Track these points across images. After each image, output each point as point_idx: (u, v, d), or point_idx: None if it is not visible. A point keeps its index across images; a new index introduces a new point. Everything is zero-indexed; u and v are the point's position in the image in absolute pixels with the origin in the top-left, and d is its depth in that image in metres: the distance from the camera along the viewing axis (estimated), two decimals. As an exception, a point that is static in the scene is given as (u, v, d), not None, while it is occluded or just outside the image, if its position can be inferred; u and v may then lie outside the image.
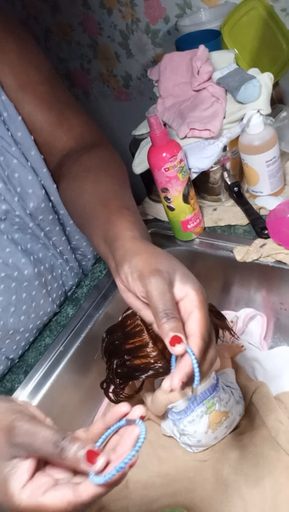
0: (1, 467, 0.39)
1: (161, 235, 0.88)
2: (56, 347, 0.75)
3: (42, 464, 0.40)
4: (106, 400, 0.76)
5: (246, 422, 0.69)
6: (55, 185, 0.74)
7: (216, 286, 0.86)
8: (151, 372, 0.58)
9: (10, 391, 0.72)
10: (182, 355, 0.43)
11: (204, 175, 0.84)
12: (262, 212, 0.81)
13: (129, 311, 0.61)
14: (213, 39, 0.99)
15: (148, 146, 0.77)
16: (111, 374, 0.62)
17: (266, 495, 0.61)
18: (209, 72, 0.87)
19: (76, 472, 0.39)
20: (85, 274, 0.89)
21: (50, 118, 0.72)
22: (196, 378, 0.42)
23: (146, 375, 0.59)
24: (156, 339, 0.57)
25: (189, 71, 0.90)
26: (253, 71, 0.84)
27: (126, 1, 1.34)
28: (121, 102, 1.67)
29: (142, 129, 0.94)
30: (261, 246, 0.76)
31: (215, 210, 0.88)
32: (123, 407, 0.39)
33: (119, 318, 0.62)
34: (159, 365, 0.58)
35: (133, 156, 0.92)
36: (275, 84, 0.90)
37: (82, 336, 0.76)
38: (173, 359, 0.45)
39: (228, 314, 0.83)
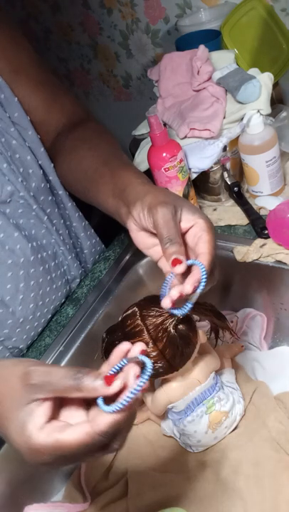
0: (18, 412, 0.39)
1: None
2: (56, 347, 0.75)
3: (57, 411, 0.41)
4: (106, 400, 0.76)
5: (246, 422, 0.69)
6: (52, 165, 0.76)
7: (216, 286, 0.85)
8: (151, 372, 0.58)
9: (10, 391, 0.72)
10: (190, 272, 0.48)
11: (204, 175, 0.84)
12: (262, 212, 0.81)
13: (129, 311, 0.61)
14: (213, 39, 0.99)
15: (148, 146, 0.77)
16: (111, 374, 0.62)
17: (266, 495, 0.61)
18: (209, 72, 0.87)
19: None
20: (83, 267, 0.89)
21: (44, 98, 0.75)
22: (203, 283, 0.47)
23: (146, 375, 0.59)
24: (156, 339, 0.57)
25: (189, 71, 0.90)
26: (253, 71, 0.84)
27: (126, 1, 1.34)
28: (121, 102, 1.67)
29: (142, 129, 0.94)
30: (261, 246, 0.76)
31: (215, 210, 0.88)
32: (124, 344, 0.41)
33: (119, 318, 0.62)
34: (159, 365, 0.58)
35: (133, 156, 0.92)
36: (275, 84, 0.90)
37: (82, 336, 0.76)
38: (165, 285, 0.50)
39: (228, 314, 0.83)
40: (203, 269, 0.47)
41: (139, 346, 0.41)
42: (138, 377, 0.37)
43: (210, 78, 0.88)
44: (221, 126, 0.81)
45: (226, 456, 0.66)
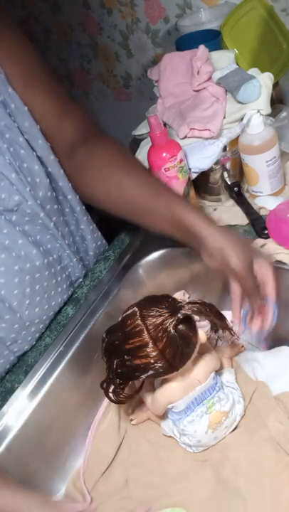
0: None
1: (161, 235, 0.88)
2: (56, 347, 0.75)
3: None
4: (106, 400, 0.76)
5: (246, 422, 0.69)
6: (62, 171, 0.76)
7: (216, 286, 0.85)
8: (151, 372, 0.58)
9: (10, 391, 0.72)
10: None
11: (204, 175, 0.84)
12: (262, 212, 0.81)
13: (129, 311, 0.61)
14: (213, 39, 0.99)
15: (148, 146, 0.77)
16: (111, 374, 0.62)
17: (266, 495, 0.61)
18: (209, 72, 0.87)
19: None
20: (86, 268, 0.89)
21: (56, 108, 0.74)
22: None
23: (146, 375, 0.59)
24: (156, 339, 0.57)
25: (189, 71, 0.90)
26: (253, 71, 0.84)
27: (126, 1, 1.34)
28: (121, 102, 1.67)
29: (142, 129, 0.94)
30: (261, 246, 0.76)
31: (215, 210, 0.88)
32: None
33: (119, 318, 0.62)
34: (159, 365, 0.58)
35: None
36: (275, 84, 0.90)
37: (82, 336, 0.76)
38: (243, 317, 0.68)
39: (228, 314, 0.83)
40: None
41: None
42: None
43: (210, 78, 0.88)
44: (221, 126, 0.81)
45: (226, 456, 0.66)
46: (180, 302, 0.60)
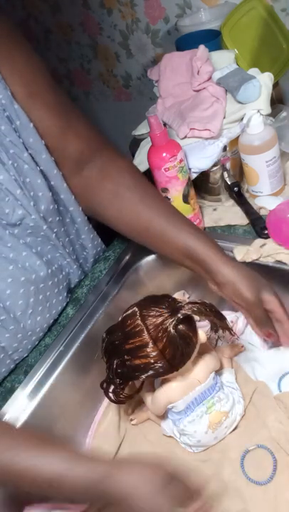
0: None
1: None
2: (56, 347, 0.75)
3: None
4: (106, 400, 0.76)
5: (246, 422, 0.69)
6: (65, 184, 0.76)
7: (216, 286, 0.85)
8: (151, 372, 0.58)
9: (10, 391, 0.72)
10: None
11: (204, 175, 0.84)
12: (262, 212, 0.81)
13: (129, 311, 0.61)
14: (213, 39, 0.99)
15: (148, 146, 0.77)
16: (111, 374, 0.62)
17: (267, 495, 0.61)
18: (209, 72, 0.87)
19: None
20: (86, 272, 0.89)
21: (60, 123, 0.73)
22: None
23: (146, 375, 0.59)
24: (156, 339, 0.57)
25: (189, 71, 0.90)
26: (253, 71, 0.84)
27: (126, 1, 1.34)
28: (121, 102, 1.67)
29: (142, 129, 0.94)
30: (261, 246, 0.76)
31: (215, 210, 0.88)
32: None
33: (119, 318, 0.62)
34: (159, 365, 0.58)
35: (133, 156, 0.92)
36: (275, 84, 0.90)
37: (82, 336, 0.76)
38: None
39: (228, 314, 0.83)
40: None
41: None
42: None
43: (210, 78, 0.88)
44: (221, 126, 0.81)
45: (226, 456, 0.66)
46: (180, 302, 0.60)
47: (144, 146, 0.89)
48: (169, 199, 0.78)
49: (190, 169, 0.81)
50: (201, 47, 0.87)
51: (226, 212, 0.86)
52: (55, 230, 0.77)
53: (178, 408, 0.65)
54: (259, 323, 0.69)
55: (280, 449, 0.64)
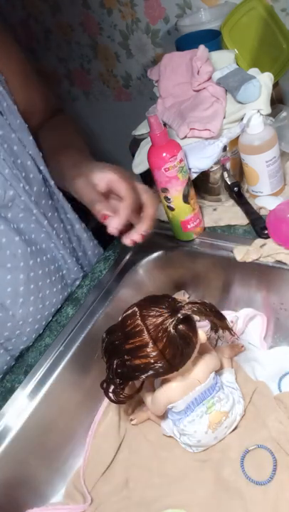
0: None
1: (161, 235, 0.88)
2: (56, 347, 0.75)
3: None
4: (106, 400, 0.76)
5: (246, 422, 0.69)
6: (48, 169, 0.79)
7: (216, 286, 0.85)
8: (151, 372, 0.58)
9: (10, 391, 0.72)
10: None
11: (204, 175, 0.84)
12: (262, 212, 0.81)
13: (129, 311, 0.61)
14: (213, 39, 0.99)
15: (148, 146, 0.77)
16: (111, 374, 0.62)
17: (267, 495, 0.61)
18: (209, 72, 0.87)
19: None
20: (84, 270, 0.89)
21: (44, 104, 0.83)
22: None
23: (146, 375, 0.59)
24: (156, 339, 0.57)
25: (189, 71, 0.90)
26: (253, 71, 0.84)
27: (126, 1, 1.34)
28: (121, 102, 1.67)
29: (142, 129, 0.94)
30: (261, 246, 0.76)
31: (215, 210, 0.88)
32: None
33: (119, 318, 0.62)
34: (159, 365, 0.58)
35: (133, 156, 0.92)
36: (275, 84, 0.90)
37: (82, 335, 0.76)
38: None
39: (228, 314, 0.83)
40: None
41: None
42: None
43: (210, 78, 0.88)
44: (221, 126, 0.81)
45: (226, 456, 0.66)
46: (180, 302, 0.60)
47: (144, 146, 0.89)
48: (169, 199, 0.78)
49: (190, 169, 0.81)
50: (201, 47, 0.87)
51: (226, 212, 0.86)
52: (48, 215, 0.78)
53: (178, 408, 0.65)
54: (89, 203, 0.65)
55: (280, 449, 0.64)
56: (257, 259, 0.75)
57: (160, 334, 0.57)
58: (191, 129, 0.82)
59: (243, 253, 0.76)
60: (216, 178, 0.86)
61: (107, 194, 0.66)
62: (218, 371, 0.71)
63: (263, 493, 0.61)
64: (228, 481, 0.64)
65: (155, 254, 0.86)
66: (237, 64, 0.90)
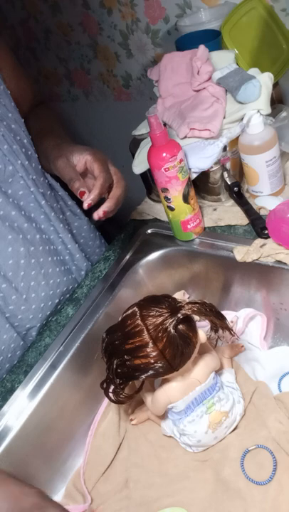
0: None
1: (161, 235, 0.88)
2: (56, 347, 0.75)
3: None
4: (106, 400, 0.76)
5: (246, 422, 0.69)
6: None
7: (216, 286, 0.85)
8: (151, 372, 0.58)
9: (10, 391, 0.72)
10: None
11: (204, 175, 0.84)
12: (262, 212, 0.81)
13: (129, 311, 0.61)
14: (213, 39, 0.99)
15: (148, 146, 0.77)
16: (111, 374, 0.62)
17: (267, 495, 0.61)
18: (209, 72, 0.87)
19: None
20: (89, 259, 0.90)
21: (19, 82, 0.86)
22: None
23: (146, 375, 0.59)
24: (156, 339, 0.57)
25: (189, 71, 0.90)
26: (253, 71, 0.84)
27: (126, 1, 1.34)
28: (121, 102, 1.67)
29: (142, 129, 0.94)
30: (261, 246, 0.76)
31: (215, 210, 0.88)
32: None
33: (119, 318, 0.62)
34: (159, 365, 0.58)
35: (133, 156, 0.92)
36: (275, 84, 0.90)
37: (82, 335, 0.76)
38: None
39: (228, 314, 0.83)
40: None
41: None
42: None
43: (210, 78, 0.88)
44: (221, 126, 0.81)
45: (226, 456, 0.66)
46: (180, 302, 0.60)
47: (144, 146, 0.89)
48: (169, 199, 0.78)
49: (190, 169, 0.81)
50: (201, 47, 0.87)
51: (226, 212, 0.86)
52: (47, 194, 0.82)
53: (178, 408, 0.65)
54: (69, 181, 0.69)
55: (280, 449, 0.64)
56: (257, 259, 0.75)
57: (160, 334, 0.57)
58: (191, 129, 0.82)
59: (243, 253, 0.76)
60: (216, 178, 0.86)
61: (85, 173, 0.71)
62: (218, 371, 0.71)
63: (263, 493, 0.61)
64: (228, 481, 0.64)
65: (155, 254, 0.86)
66: (237, 64, 0.90)
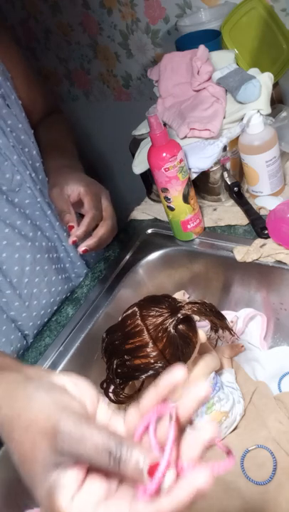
0: (45, 477, 0.33)
1: (161, 235, 0.88)
2: (56, 347, 0.75)
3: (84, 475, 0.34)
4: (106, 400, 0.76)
5: (246, 422, 0.69)
6: None
7: (216, 286, 0.85)
8: (151, 372, 0.58)
9: (10, 391, 0.72)
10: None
11: (204, 175, 0.84)
12: (262, 212, 0.81)
13: (129, 311, 0.61)
14: (213, 39, 0.99)
15: (148, 146, 0.77)
16: (111, 374, 0.62)
17: (266, 495, 0.61)
18: (209, 72, 0.87)
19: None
20: (90, 267, 0.90)
21: (30, 89, 0.86)
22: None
23: (146, 375, 0.59)
24: (156, 339, 0.57)
25: (189, 71, 0.90)
26: (253, 71, 0.84)
27: (126, 1, 1.34)
28: (121, 102, 1.67)
29: (142, 129, 0.94)
30: (261, 246, 0.76)
31: (215, 210, 0.88)
32: (179, 370, 0.35)
33: (119, 318, 0.62)
34: (159, 365, 0.58)
35: (133, 156, 0.92)
36: (275, 84, 0.89)
37: (82, 335, 0.76)
38: None
39: (228, 314, 0.83)
40: None
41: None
42: None
43: (210, 78, 0.88)
44: (221, 126, 0.81)
45: (226, 456, 0.66)
46: (180, 302, 0.60)
47: (144, 146, 0.89)
48: (169, 199, 0.78)
49: (190, 169, 0.81)
50: (201, 47, 0.87)
51: (226, 212, 0.86)
52: (53, 207, 0.81)
53: (178, 408, 0.65)
54: (60, 213, 0.69)
55: (280, 449, 0.64)
56: (257, 259, 0.75)
57: (160, 334, 0.57)
58: (191, 129, 0.82)
59: (243, 253, 0.76)
60: (216, 178, 0.86)
61: (80, 203, 0.69)
62: (218, 371, 0.71)
63: (263, 493, 0.61)
64: (228, 481, 0.64)
65: (155, 254, 0.86)
66: (237, 64, 0.90)
